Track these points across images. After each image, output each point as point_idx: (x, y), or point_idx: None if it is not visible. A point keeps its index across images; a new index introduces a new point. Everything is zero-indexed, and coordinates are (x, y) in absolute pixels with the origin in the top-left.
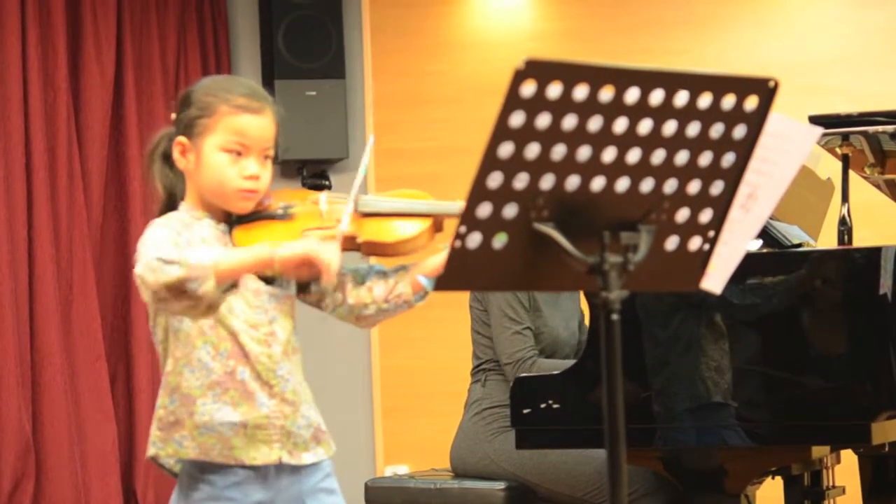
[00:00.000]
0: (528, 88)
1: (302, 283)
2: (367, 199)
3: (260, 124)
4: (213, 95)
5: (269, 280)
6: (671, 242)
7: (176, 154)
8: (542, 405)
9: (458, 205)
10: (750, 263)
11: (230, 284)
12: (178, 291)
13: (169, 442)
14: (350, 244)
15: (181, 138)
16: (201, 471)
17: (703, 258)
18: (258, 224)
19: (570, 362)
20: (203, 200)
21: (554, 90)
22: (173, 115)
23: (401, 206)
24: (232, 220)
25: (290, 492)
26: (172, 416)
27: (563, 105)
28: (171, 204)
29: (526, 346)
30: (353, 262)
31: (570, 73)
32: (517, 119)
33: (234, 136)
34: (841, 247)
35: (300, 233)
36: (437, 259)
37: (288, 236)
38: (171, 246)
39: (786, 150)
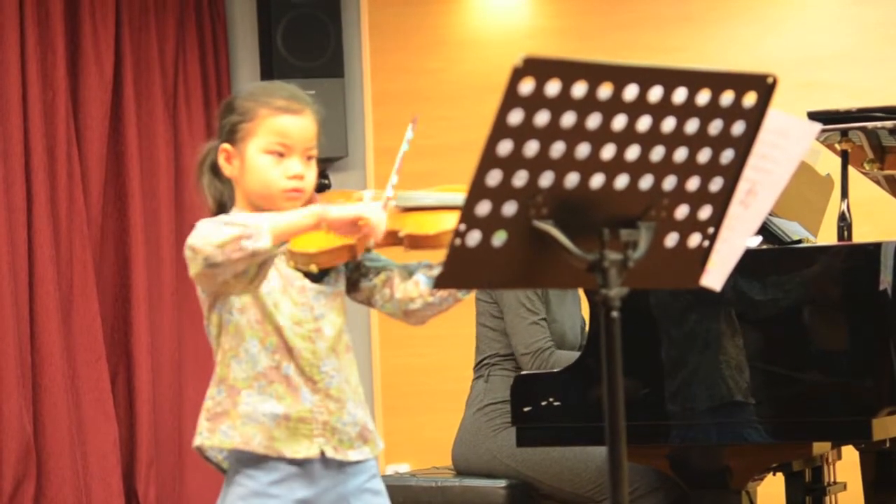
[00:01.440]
0: (527, 86)
1: (352, 281)
2: (408, 194)
3: (301, 125)
4: (254, 100)
5: (315, 278)
6: (671, 239)
7: (221, 161)
8: (543, 403)
9: None
10: (749, 260)
11: (283, 244)
12: (233, 249)
13: (215, 432)
14: (392, 239)
15: (225, 145)
16: (245, 466)
17: (703, 255)
18: None
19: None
20: (251, 205)
21: (552, 88)
22: (217, 125)
23: (441, 199)
24: None
25: (335, 491)
26: (220, 406)
27: (562, 102)
28: (220, 213)
29: (544, 336)
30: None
31: (569, 70)
32: (516, 117)
33: (275, 138)
34: (841, 243)
35: None
36: None
37: (331, 235)
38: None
39: (785, 146)
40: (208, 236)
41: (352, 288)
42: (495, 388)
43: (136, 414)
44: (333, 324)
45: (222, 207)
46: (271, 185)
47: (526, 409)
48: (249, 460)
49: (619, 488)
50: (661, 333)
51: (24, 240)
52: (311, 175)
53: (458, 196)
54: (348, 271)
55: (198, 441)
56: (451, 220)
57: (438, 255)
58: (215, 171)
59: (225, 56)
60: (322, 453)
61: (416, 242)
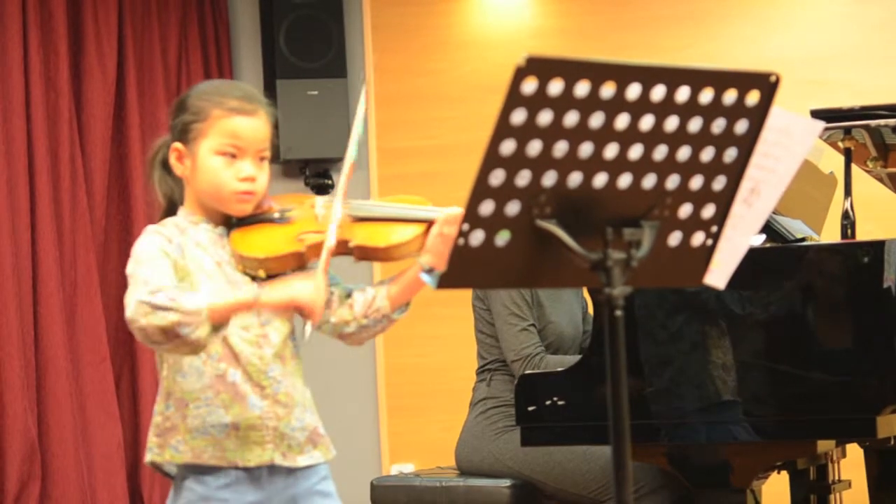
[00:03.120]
0: (530, 85)
1: None
2: (360, 203)
3: (253, 126)
4: (206, 100)
5: (264, 281)
6: (674, 238)
7: (172, 160)
8: (547, 402)
9: (453, 210)
10: (753, 258)
11: (220, 326)
12: (172, 335)
13: (166, 448)
14: (342, 248)
15: (177, 144)
16: (194, 472)
17: (707, 254)
18: (256, 227)
19: (579, 358)
20: (201, 205)
21: (555, 87)
22: (169, 123)
23: (394, 211)
24: (230, 224)
25: (285, 494)
26: (168, 421)
27: (565, 102)
28: (171, 210)
29: (532, 343)
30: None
31: (572, 69)
32: (519, 116)
33: (227, 139)
34: (844, 241)
35: (296, 236)
36: (414, 269)
37: (284, 239)
38: (165, 273)
39: (788, 144)
40: (148, 315)
41: None
42: (498, 391)
43: (140, 415)
44: (279, 330)
45: (173, 205)
46: (222, 187)
47: (530, 409)
48: (198, 467)
49: (623, 487)
50: (663, 332)
51: (27, 241)
52: (262, 177)
53: (412, 209)
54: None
55: (149, 457)
56: (401, 233)
57: (387, 268)
58: (166, 167)
59: (227, 57)
60: (272, 460)
61: (365, 254)
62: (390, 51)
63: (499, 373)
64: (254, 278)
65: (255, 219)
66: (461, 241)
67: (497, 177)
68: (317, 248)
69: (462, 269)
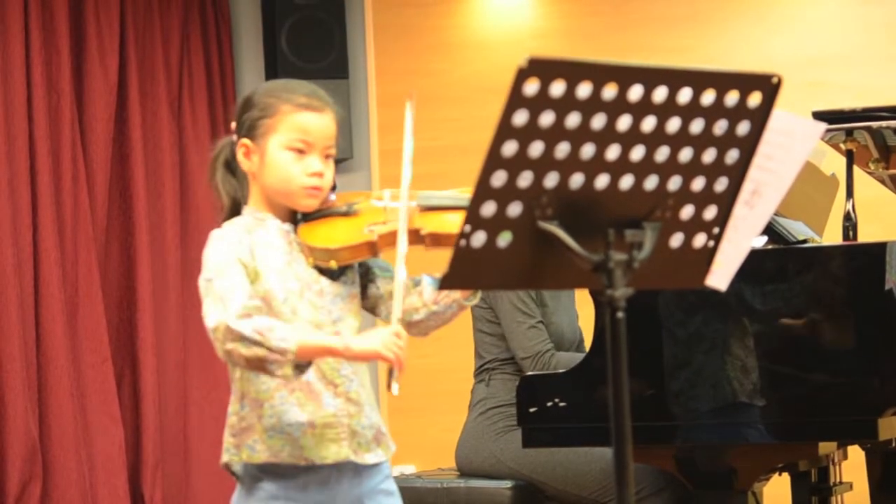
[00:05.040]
0: (532, 87)
1: (361, 285)
2: (427, 193)
3: (322, 122)
4: (275, 96)
5: (332, 277)
6: (676, 239)
7: (240, 156)
8: (549, 403)
9: None
10: (755, 260)
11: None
12: (256, 366)
13: (242, 448)
14: (414, 237)
15: (245, 140)
16: (263, 471)
17: (708, 255)
18: (323, 221)
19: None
20: (268, 201)
21: (557, 88)
22: (233, 124)
23: (461, 199)
24: (297, 219)
25: (351, 494)
26: (244, 421)
27: (567, 103)
28: (234, 211)
29: (543, 339)
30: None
31: (573, 71)
32: (521, 118)
33: (297, 134)
34: (846, 242)
35: (364, 227)
36: None
37: (352, 231)
38: (241, 284)
39: (790, 146)
40: (237, 342)
41: (360, 293)
42: (497, 391)
43: (141, 416)
44: (351, 326)
45: (236, 204)
46: (291, 182)
47: (532, 410)
48: (267, 466)
49: (624, 488)
50: (667, 333)
51: (29, 242)
52: (329, 173)
53: None
54: (358, 275)
55: (225, 458)
56: None
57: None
58: (229, 167)
59: (229, 58)
60: (347, 457)
61: (438, 241)
62: (392, 52)
63: (497, 373)
64: (322, 271)
65: (322, 213)
66: (463, 242)
67: (499, 178)
68: (388, 238)
69: (464, 271)
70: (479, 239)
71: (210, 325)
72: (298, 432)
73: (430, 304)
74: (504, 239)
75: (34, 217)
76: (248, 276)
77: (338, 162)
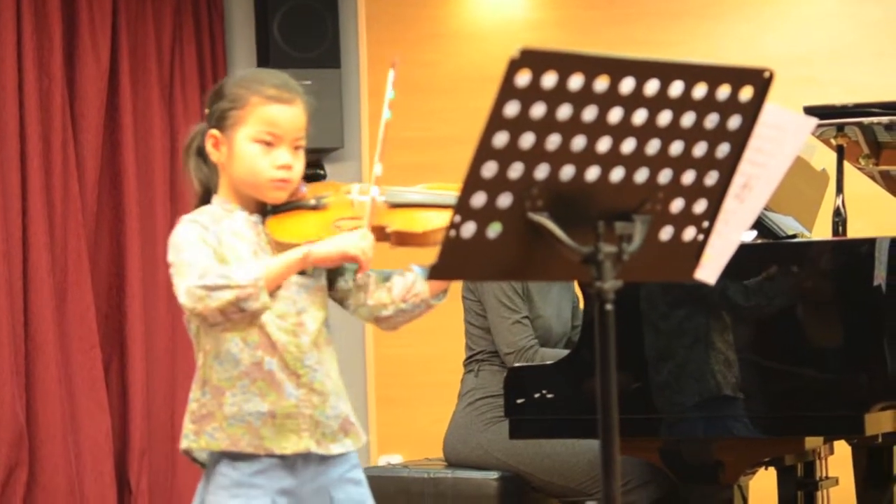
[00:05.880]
0: (523, 78)
1: (329, 279)
2: (396, 190)
3: (291, 114)
4: (245, 87)
5: (300, 271)
6: (665, 233)
7: (209, 147)
8: (537, 395)
9: None
10: (744, 254)
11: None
12: (233, 312)
13: (202, 434)
14: (380, 235)
15: (214, 131)
16: (228, 458)
17: (698, 248)
18: (291, 214)
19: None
20: (236, 192)
21: (549, 80)
22: (206, 110)
23: (430, 198)
24: (265, 211)
25: (317, 481)
26: (204, 408)
27: (558, 94)
28: (206, 198)
29: (527, 335)
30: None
31: (565, 62)
32: (512, 108)
33: (265, 127)
34: (835, 238)
35: (332, 222)
36: None
37: (320, 226)
38: (206, 257)
39: (780, 140)
40: (204, 299)
41: (328, 285)
42: (486, 382)
43: (129, 403)
44: (315, 318)
45: (208, 193)
46: (259, 174)
47: (519, 402)
48: (232, 454)
49: (611, 481)
50: (650, 327)
51: (18, 227)
52: (298, 166)
53: (447, 194)
54: (326, 268)
55: (184, 444)
56: (439, 219)
57: (423, 254)
58: (202, 154)
59: (221, 45)
60: (308, 449)
61: (403, 239)
62: (384, 42)
63: (486, 364)
64: None
65: (291, 206)
66: (452, 232)
67: (489, 169)
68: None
69: (453, 261)
70: (468, 230)
71: (181, 299)
72: (259, 422)
73: (399, 301)
74: (494, 230)
75: (24, 202)
76: (215, 258)
77: (329, 152)
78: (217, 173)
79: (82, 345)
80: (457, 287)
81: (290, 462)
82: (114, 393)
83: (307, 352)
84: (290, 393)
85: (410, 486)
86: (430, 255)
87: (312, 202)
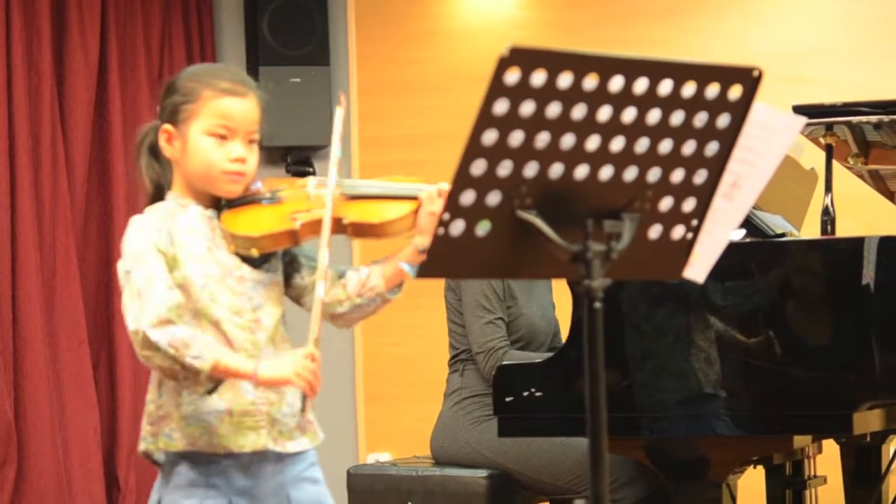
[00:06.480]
0: (513, 76)
1: (286, 275)
2: (353, 182)
3: (244, 108)
4: (197, 81)
5: (254, 264)
6: (654, 231)
7: (162, 142)
8: (525, 393)
9: (434, 188)
10: (733, 253)
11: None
12: (172, 373)
13: (159, 436)
14: (337, 226)
15: (167, 126)
16: (183, 458)
17: (686, 247)
18: (246, 208)
19: (543, 355)
20: (191, 187)
21: (538, 78)
22: (158, 106)
23: (386, 189)
24: (220, 205)
25: (274, 480)
26: (161, 409)
27: (547, 93)
28: (158, 196)
29: (498, 336)
30: (340, 249)
31: (555, 60)
32: (501, 106)
33: (218, 120)
34: (824, 237)
35: (288, 215)
36: (409, 249)
37: (276, 218)
38: (160, 279)
39: (769, 139)
40: (149, 353)
41: (285, 281)
42: (471, 381)
43: (117, 399)
44: (272, 314)
45: (160, 190)
46: (212, 168)
47: (507, 400)
48: (188, 454)
49: (599, 478)
50: (633, 326)
51: (7, 224)
52: (252, 159)
53: (403, 186)
54: (283, 263)
55: (142, 446)
56: (394, 210)
57: (382, 245)
58: (154, 152)
59: (210, 43)
60: (265, 446)
61: (360, 230)
62: (374, 39)
63: (471, 363)
64: (245, 258)
65: (246, 199)
66: (441, 230)
67: (478, 167)
68: (311, 226)
69: (442, 259)
70: (457, 227)
71: (129, 326)
72: (216, 420)
73: (354, 297)
74: (483, 228)
75: (12, 199)
76: (166, 264)
77: (318, 149)
78: (170, 170)
79: (71, 341)
80: (427, 284)
81: (247, 462)
82: (102, 389)
83: (263, 348)
84: (248, 390)
85: (399, 484)
86: (391, 245)
87: (268, 196)
